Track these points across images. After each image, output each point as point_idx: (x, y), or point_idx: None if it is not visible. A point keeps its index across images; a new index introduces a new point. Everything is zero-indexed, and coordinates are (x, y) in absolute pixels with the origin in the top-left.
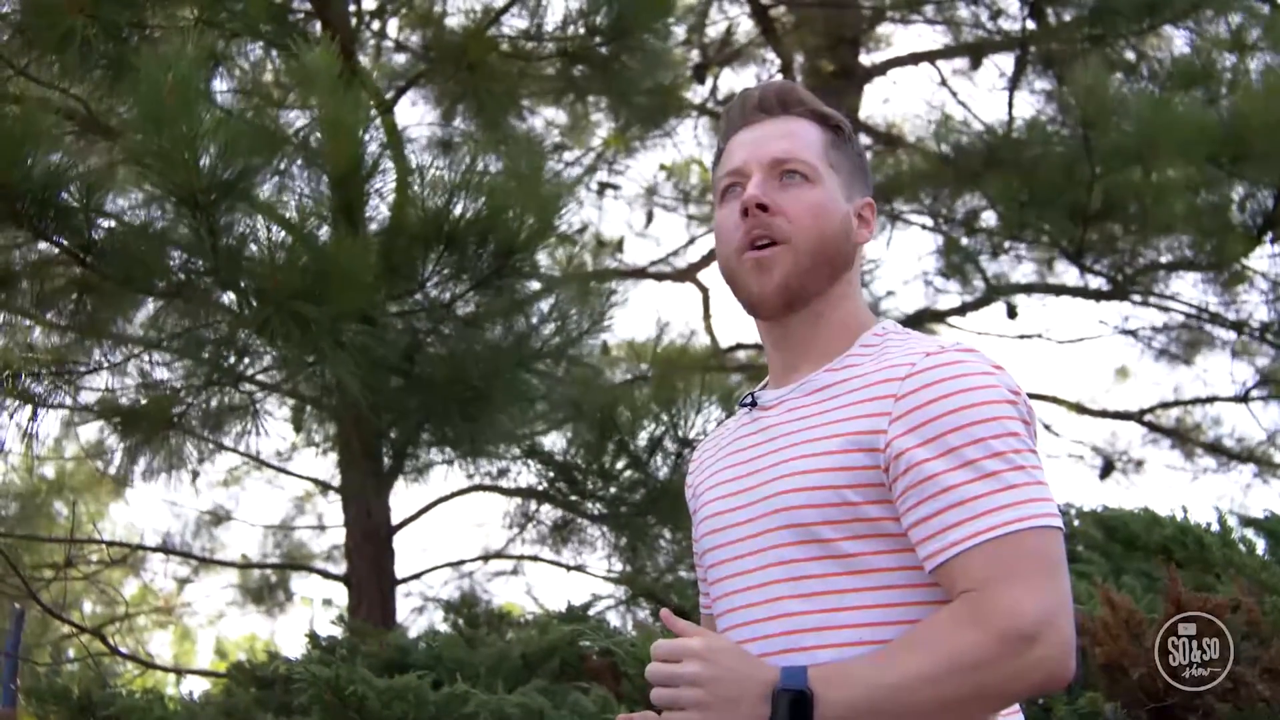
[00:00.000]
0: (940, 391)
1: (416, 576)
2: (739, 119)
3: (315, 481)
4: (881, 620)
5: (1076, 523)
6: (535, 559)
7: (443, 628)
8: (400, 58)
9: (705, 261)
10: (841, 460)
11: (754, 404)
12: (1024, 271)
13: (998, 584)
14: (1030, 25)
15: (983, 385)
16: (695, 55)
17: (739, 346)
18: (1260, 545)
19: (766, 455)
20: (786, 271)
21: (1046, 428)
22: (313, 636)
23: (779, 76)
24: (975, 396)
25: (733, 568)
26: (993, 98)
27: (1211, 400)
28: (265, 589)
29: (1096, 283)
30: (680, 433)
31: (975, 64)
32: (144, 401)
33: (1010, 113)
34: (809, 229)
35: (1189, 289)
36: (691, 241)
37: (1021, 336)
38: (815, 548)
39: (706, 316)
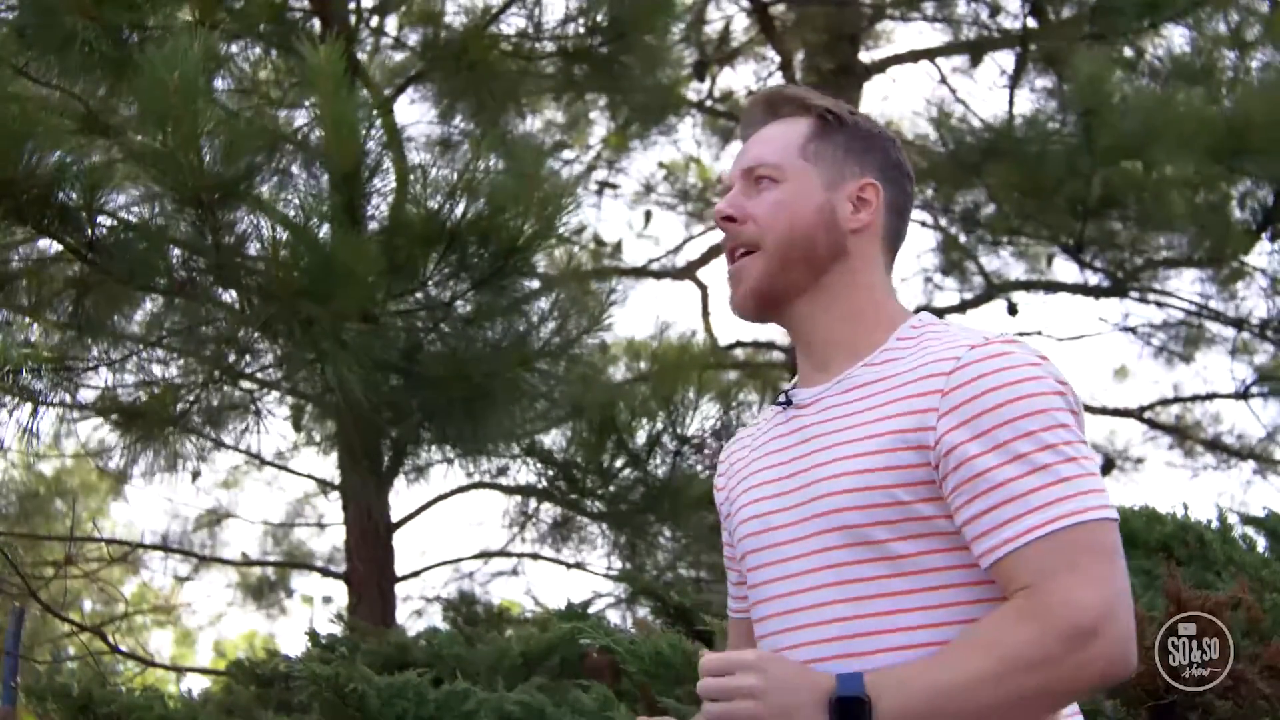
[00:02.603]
0: (988, 385)
1: (416, 574)
2: (743, 131)
3: (315, 480)
4: (938, 621)
5: None
6: (535, 557)
7: (442, 625)
8: (399, 56)
9: (704, 259)
10: (890, 459)
11: (789, 403)
12: (1023, 268)
13: (1055, 578)
14: (1031, 23)
15: (1030, 377)
16: (694, 53)
17: (738, 344)
18: (1261, 543)
19: (808, 456)
20: (755, 278)
21: None
22: (313, 634)
23: (778, 74)
24: (1023, 389)
25: (776, 571)
26: (993, 96)
27: (1211, 397)
28: (265, 587)
29: (1096, 279)
30: (679, 431)
31: (975, 61)
32: (144, 399)
33: (1010, 110)
34: (773, 227)
35: (1188, 286)
36: (689, 240)
37: (1021, 333)
38: (866, 549)
39: (705, 314)
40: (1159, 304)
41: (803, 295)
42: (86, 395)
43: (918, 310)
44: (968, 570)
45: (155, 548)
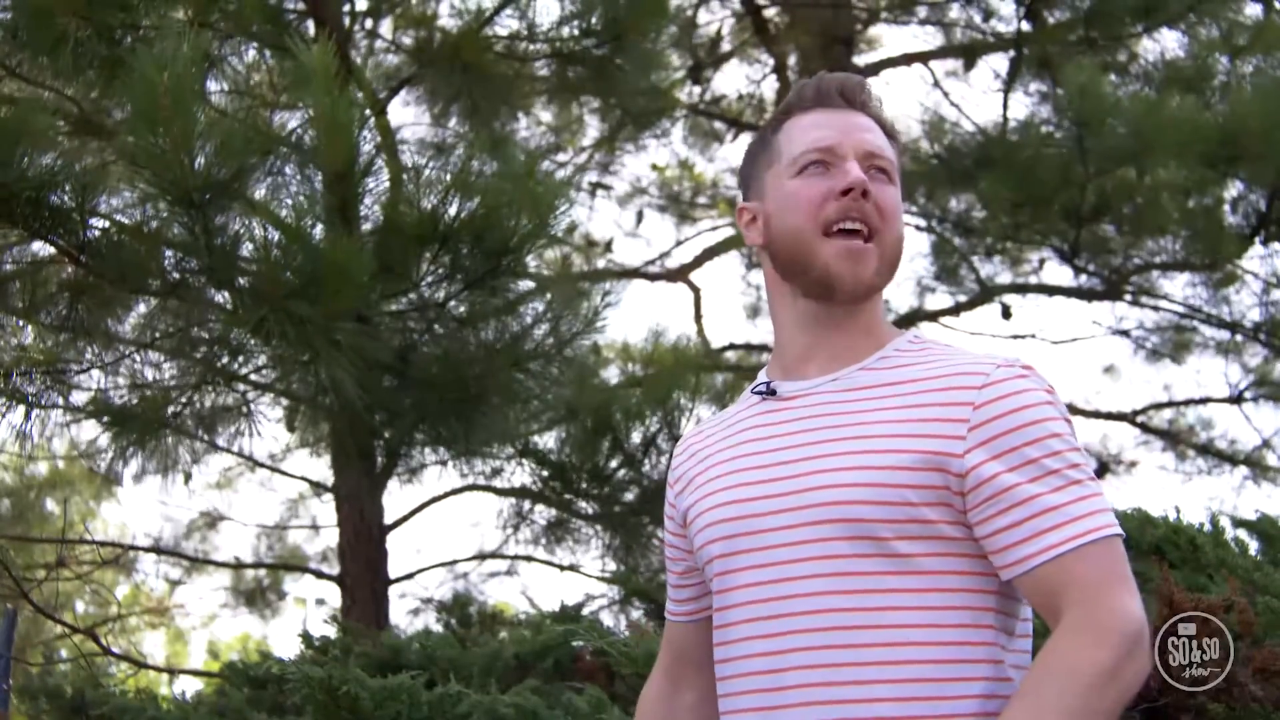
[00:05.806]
0: (1018, 404)
1: (410, 576)
2: (812, 99)
3: (309, 482)
4: (930, 623)
5: None
6: (529, 559)
7: (436, 628)
8: (394, 58)
9: (697, 262)
10: (908, 460)
11: (773, 393)
12: (1017, 272)
13: (1106, 589)
14: (1025, 26)
15: (1049, 401)
16: (688, 56)
17: (730, 346)
18: (1253, 546)
19: (802, 448)
20: (875, 267)
21: None
22: (306, 636)
23: (772, 78)
24: (1046, 411)
25: (757, 559)
26: (986, 100)
27: (1204, 401)
28: (258, 589)
29: (1090, 283)
30: (673, 432)
31: (969, 65)
32: (137, 401)
33: (1005, 114)
34: (892, 227)
35: (1182, 289)
36: (681, 242)
37: (1015, 337)
38: (867, 545)
39: (698, 317)
40: (1153, 307)
41: (867, 298)
42: (79, 397)
43: (899, 321)
44: (964, 576)
45: (148, 550)
